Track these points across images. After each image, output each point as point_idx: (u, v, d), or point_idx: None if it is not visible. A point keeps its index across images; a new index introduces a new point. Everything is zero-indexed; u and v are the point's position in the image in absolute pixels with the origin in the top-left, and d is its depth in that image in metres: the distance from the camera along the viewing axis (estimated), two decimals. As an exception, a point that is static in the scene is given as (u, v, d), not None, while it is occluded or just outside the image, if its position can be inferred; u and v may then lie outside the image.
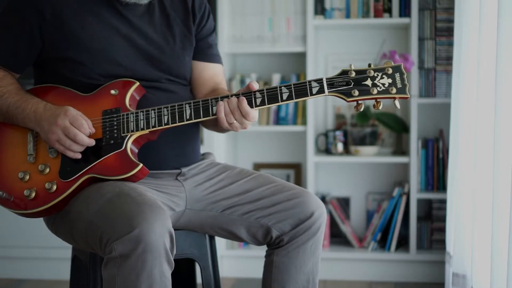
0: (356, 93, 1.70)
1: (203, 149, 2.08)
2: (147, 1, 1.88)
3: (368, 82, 1.70)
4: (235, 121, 1.73)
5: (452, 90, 2.83)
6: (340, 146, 3.31)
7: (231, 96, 1.73)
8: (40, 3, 1.80)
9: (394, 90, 1.70)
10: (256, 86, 1.72)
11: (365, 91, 1.70)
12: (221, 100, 1.73)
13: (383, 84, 1.70)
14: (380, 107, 1.71)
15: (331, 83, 1.71)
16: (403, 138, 3.44)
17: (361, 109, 1.72)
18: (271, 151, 3.56)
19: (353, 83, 1.71)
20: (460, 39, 2.72)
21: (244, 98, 1.72)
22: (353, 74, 1.71)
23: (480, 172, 2.41)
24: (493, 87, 2.11)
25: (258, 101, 1.72)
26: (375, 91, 1.70)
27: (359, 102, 1.72)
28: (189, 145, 1.93)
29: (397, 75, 1.71)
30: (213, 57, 2.02)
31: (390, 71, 1.71)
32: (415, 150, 3.23)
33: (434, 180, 3.29)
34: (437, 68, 3.24)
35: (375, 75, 1.71)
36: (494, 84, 2.09)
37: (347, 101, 1.71)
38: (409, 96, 1.71)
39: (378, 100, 1.71)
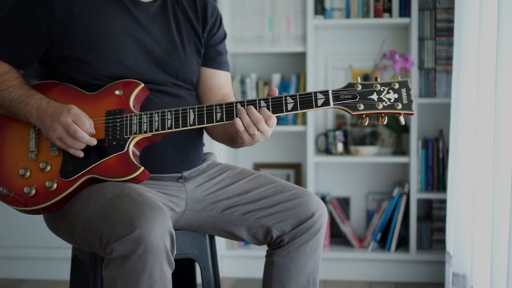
0: (362, 107, 1.69)
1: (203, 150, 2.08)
2: None
3: (374, 96, 1.69)
4: (257, 132, 1.70)
5: (452, 90, 2.83)
6: (340, 146, 3.31)
7: (236, 103, 1.71)
8: (50, 1, 1.79)
9: (400, 106, 1.68)
10: (276, 91, 1.71)
11: (370, 106, 1.69)
12: (237, 117, 1.69)
13: (389, 99, 1.69)
14: (385, 122, 1.70)
15: (337, 95, 1.69)
16: (403, 138, 3.44)
17: (366, 123, 1.71)
18: (271, 151, 3.56)
19: (359, 96, 1.69)
20: (460, 39, 2.72)
21: (264, 108, 1.69)
22: (359, 87, 1.69)
23: (480, 172, 2.40)
24: (493, 87, 2.11)
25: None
26: (380, 106, 1.68)
27: (364, 116, 1.71)
28: (192, 150, 1.92)
29: (403, 91, 1.69)
30: (222, 65, 2.01)
31: (397, 86, 1.69)
32: (415, 150, 3.23)
33: (434, 180, 3.29)
34: (437, 68, 3.24)
35: (381, 89, 1.69)
36: (494, 84, 2.09)
37: (352, 115, 1.70)
38: (414, 113, 1.69)
39: (383, 114, 1.70)
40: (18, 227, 3.34)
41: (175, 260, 1.61)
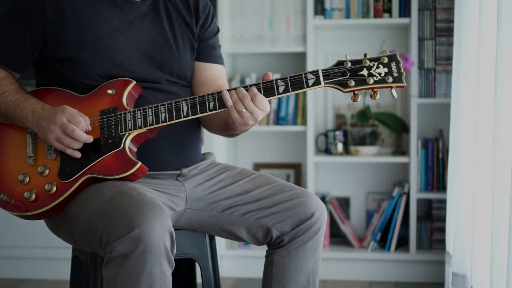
0: (352, 83, 1.70)
1: (203, 149, 2.08)
2: None
3: (364, 72, 1.70)
4: (244, 110, 1.72)
5: (452, 90, 2.84)
6: (340, 146, 3.31)
7: (230, 90, 1.73)
8: (42, 3, 1.80)
9: (391, 79, 1.69)
10: (270, 75, 1.74)
11: (361, 81, 1.70)
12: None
13: (379, 74, 1.70)
14: (377, 97, 1.71)
15: (327, 74, 1.71)
16: (403, 138, 3.44)
17: (358, 100, 1.72)
18: (271, 151, 3.56)
19: (349, 73, 1.70)
20: (460, 39, 2.72)
21: (253, 87, 1.71)
22: (349, 64, 1.71)
23: (480, 172, 2.40)
24: (493, 87, 2.11)
25: None
26: (371, 81, 1.69)
27: (356, 92, 1.72)
28: (190, 146, 1.92)
29: (393, 64, 1.70)
30: (215, 58, 2.01)
31: (386, 60, 1.70)
32: (415, 150, 3.23)
33: (434, 180, 3.29)
34: (437, 68, 3.24)
35: (371, 64, 1.70)
36: (494, 84, 2.09)
37: (344, 92, 1.71)
38: (405, 84, 1.70)
39: (375, 89, 1.71)
40: (18, 227, 3.34)
41: (175, 260, 1.61)
